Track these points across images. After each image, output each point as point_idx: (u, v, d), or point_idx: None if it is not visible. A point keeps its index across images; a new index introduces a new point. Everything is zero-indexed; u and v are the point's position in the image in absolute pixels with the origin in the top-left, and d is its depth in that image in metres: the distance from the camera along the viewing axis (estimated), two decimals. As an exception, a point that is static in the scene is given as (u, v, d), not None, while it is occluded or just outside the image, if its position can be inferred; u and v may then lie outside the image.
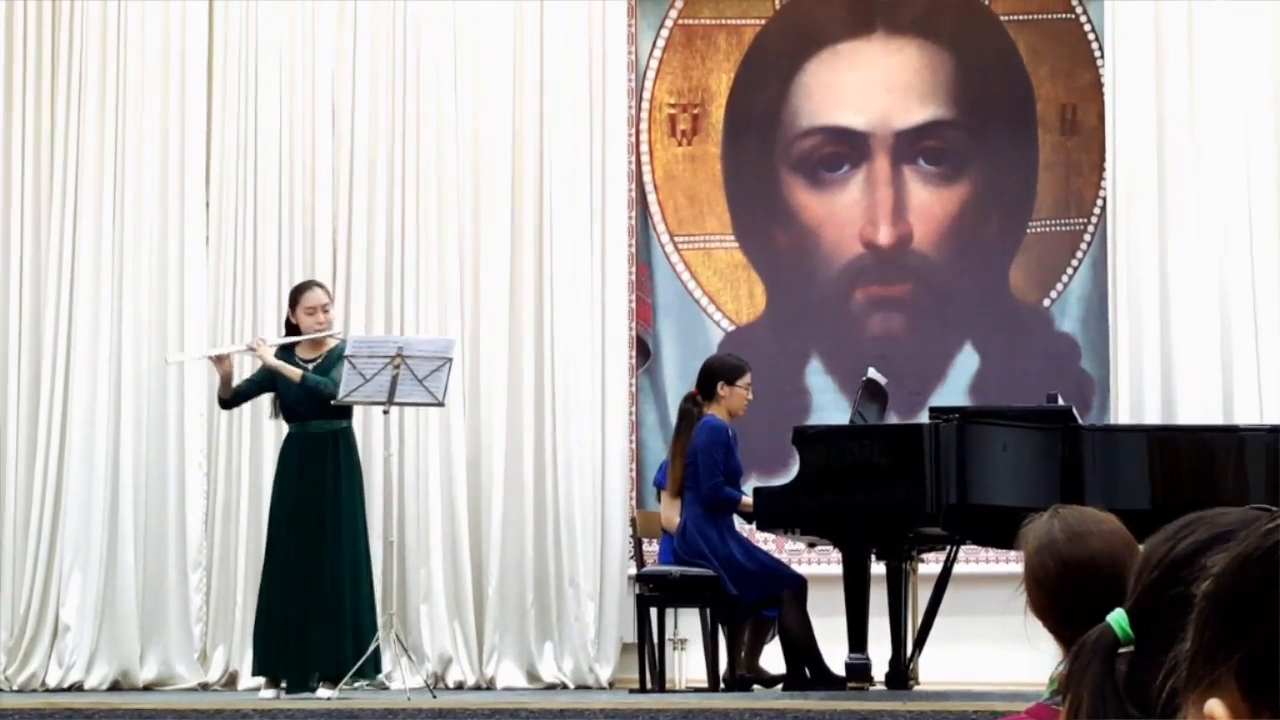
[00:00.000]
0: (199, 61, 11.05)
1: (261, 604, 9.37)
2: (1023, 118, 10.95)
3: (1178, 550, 1.77)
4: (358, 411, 10.37)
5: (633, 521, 10.24)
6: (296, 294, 9.54)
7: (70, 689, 10.46)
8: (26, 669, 10.64)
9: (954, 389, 10.71)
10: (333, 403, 9.10)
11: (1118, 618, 1.78)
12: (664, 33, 11.23)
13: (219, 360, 9.49)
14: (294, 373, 9.24)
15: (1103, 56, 10.72)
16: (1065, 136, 10.92)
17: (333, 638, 9.08)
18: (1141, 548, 1.79)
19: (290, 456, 9.38)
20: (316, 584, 9.12)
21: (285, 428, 9.53)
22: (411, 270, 10.84)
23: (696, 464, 9.18)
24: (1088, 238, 10.79)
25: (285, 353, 9.37)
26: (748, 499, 8.98)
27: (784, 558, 9.89)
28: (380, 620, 9.25)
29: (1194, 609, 1.33)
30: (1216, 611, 1.31)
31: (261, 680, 9.38)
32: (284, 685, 9.18)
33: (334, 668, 9.04)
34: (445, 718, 8.12)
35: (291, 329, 9.47)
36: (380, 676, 9.53)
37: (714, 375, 9.36)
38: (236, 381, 9.58)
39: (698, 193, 11.16)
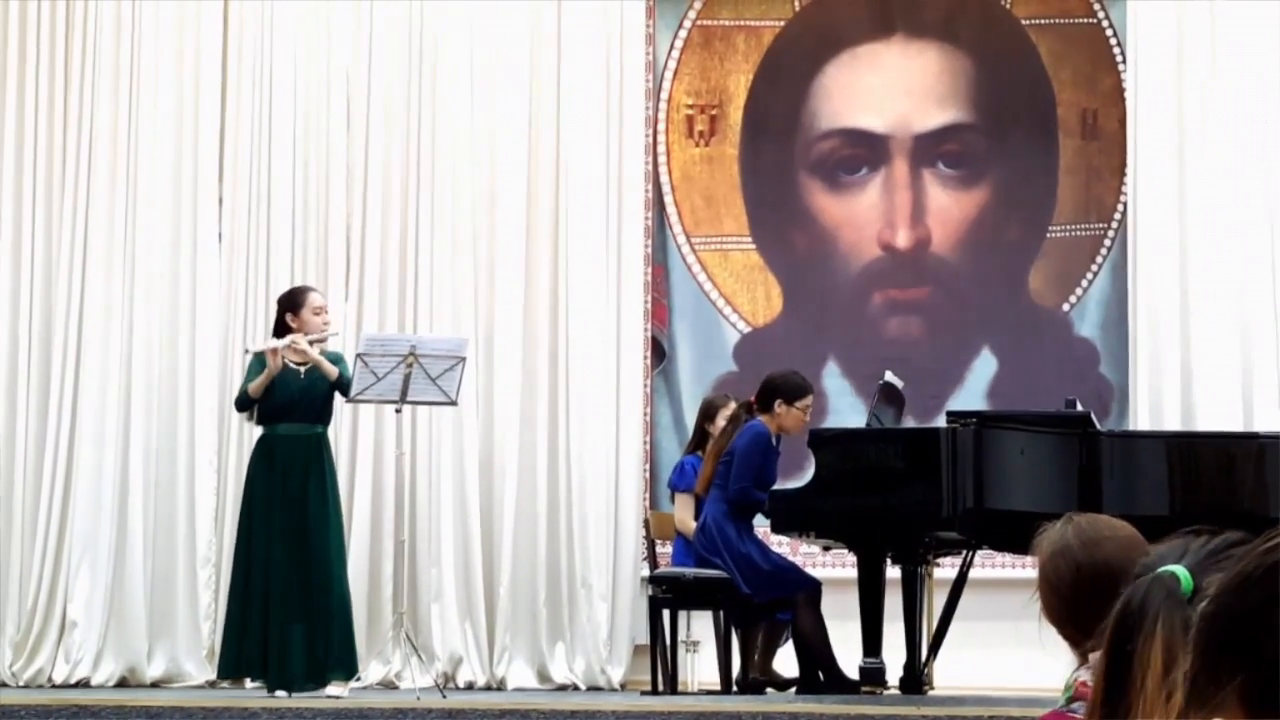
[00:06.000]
0: (213, 59, 11.02)
1: (236, 606, 9.25)
2: (1043, 122, 10.89)
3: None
4: (369, 410, 10.37)
5: (646, 523, 10.20)
6: (299, 296, 9.40)
7: (77, 685, 10.43)
8: (33, 665, 10.61)
9: (972, 393, 10.66)
10: (345, 401, 9.03)
11: (1179, 570, 1.61)
12: (682, 33, 11.19)
13: (274, 354, 9.22)
14: (331, 370, 9.13)
15: (1124, 61, 10.67)
16: (1086, 141, 10.86)
17: (320, 637, 9.07)
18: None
19: (272, 459, 9.21)
20: (300, 585, 9.07)
21: (257, 430, 9.46)
22: (426, 269, 10.79)
23: (730, 463, 9.05)
24: (1108, 242, 10.74)
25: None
26: None
27: (799, 561, 9.84)
28: (391, 619, 9.21)
29: (1195, 629, 1.31)
30: (1219, 632, 1.28)
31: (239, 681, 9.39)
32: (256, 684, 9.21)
33: (318, 669, 9.04)
34: (455, 718, 8.09)
35: (284, 331, 9.31)
36: (355, 680, 9.47)
37: (775, 392, 9.08)
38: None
39: (715, 194, 11.11)
